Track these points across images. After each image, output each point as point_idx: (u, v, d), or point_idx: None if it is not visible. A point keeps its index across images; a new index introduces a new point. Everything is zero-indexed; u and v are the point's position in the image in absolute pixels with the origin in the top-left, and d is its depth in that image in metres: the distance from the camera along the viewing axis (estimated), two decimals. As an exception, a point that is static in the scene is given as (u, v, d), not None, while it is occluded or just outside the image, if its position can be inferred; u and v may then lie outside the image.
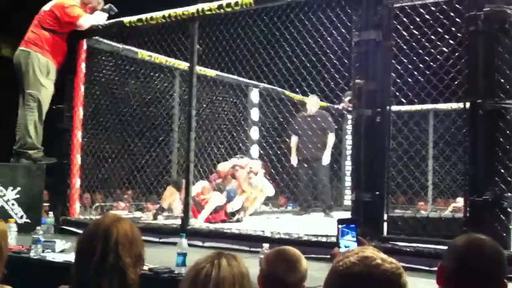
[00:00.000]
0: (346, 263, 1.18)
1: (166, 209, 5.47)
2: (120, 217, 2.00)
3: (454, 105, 4.40)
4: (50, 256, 3.51)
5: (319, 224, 4.53)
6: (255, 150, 7.11)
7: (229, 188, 5.68)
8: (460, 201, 6.66)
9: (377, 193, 3.41)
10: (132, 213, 6.12)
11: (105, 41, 5.57)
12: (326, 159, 6.59)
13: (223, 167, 5.84)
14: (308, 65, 4.65)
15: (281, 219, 6.12)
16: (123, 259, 1.83)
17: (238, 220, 5.69)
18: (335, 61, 4.50)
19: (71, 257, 3.46)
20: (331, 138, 6.62)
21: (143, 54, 5.88)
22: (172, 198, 5.47)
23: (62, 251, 3.69)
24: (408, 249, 3.23)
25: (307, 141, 6.14)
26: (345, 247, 1.86)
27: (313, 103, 6.63)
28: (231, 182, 5.77)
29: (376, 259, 1.18)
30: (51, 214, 4.69)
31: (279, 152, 6.29)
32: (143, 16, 4.95)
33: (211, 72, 6.44)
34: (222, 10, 4.49)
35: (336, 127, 6.83)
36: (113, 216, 1.98)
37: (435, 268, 2.99)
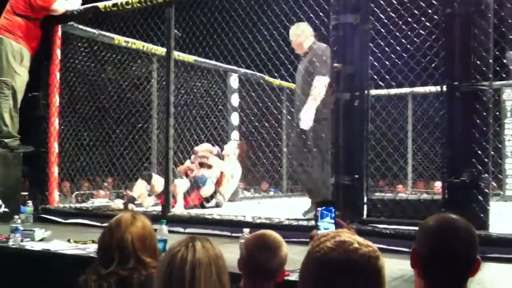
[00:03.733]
0: (323, 248, 1.17)
1: (137, 199, 5.46)
2: (134, 217, 2.09)
3: (431, 88, 4.43)
4: (29, 245, 3.48)
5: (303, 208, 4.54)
6: (235, 135, 7.10)
7: (196, 174, 5.71)
8: (439, 184, 6.76)
9: (356, 176, 3.43)
10: (113, 200, 6.08)
11: (80, 26, 5.49)
12: (304, 119, 4.39)
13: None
14: (286, 49, 4.63)
15: (264, 204, 6.15)
16: (143, 258, 1.99)
17: (217, 205, 5.71)
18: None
19: (50, 245, 3.47)
20: (315, 86, 4.39)
21: (120, 39, 5.80)
22: (141, 191, 5.48)
23: (42, 240, 3.66)
24: (388, 231, 3.26)
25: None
26: (324, 229, 1.88)
27: (294, 39, 4.70)
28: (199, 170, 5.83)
29: (353, 243, 1.17)
30: (30, 203, 4.64)
31: (258, 137, 6.29)
32: (118, 1, 4.88)
33: (189, 58, 6.39)
34: (198, -6, 4.45)
35: (328, 69, 4.23)
36: (126, 220, 2.07)
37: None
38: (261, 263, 1.99)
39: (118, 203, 5.37)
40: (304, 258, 1.21)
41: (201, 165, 5.90)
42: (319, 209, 1.92)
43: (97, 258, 2.13)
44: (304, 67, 4.60)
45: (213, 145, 6.21)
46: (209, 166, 5.90)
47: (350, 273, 1.14)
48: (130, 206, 5.23)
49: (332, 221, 1.90)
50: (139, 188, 5.46)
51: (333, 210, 1.91)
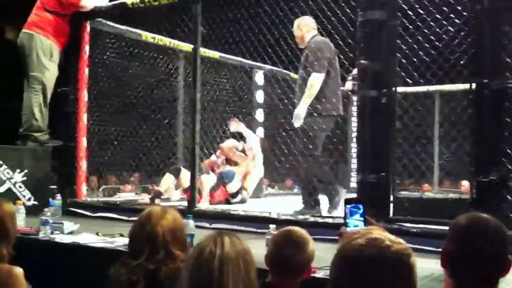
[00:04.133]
0: (355, 245, 1.17)
1: (163, 193, 5.52)
2: (164, 210, 2.14)
3: (460, 86, 4.38)
4: (58, 238, 3.55)
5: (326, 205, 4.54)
6: (260, 132, 7.12)
7: (223, 170, 5.74)
8: (466, 183, 6.65)
9: (383, 174, 3.41)
10: (139, 195, 6.16)
11: (108, 23, 5.56)
12: (296, 117, 4.40)
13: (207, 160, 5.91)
14: (313, 46, 4.62)
15: (288, 201, 6.15)
16: (172, 251, 2.03)
17: (242, 200, 5.73)
18: (339, 41, 4.49)
19: (79, 238, 3.53)
20: (309, 83, 4.35)
21: (147, 36, 5.86)
22: (168, 185, 5.53)
23: (71, 233, 3.72)
24: (414, 230, 3.23)
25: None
26: (354, 226, 1.88)
27: (296, 32, 4.68)
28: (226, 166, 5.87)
29: (385, 241, 1.17)
30: (58, 196, 4.72)
31: (284, 133, 6.28)
32: (146, -2, 4.93)
33: (215, 54, 6.41)
34: (224, -9, 4.47)
35: (325, 64, 4.40)
36: (157, 213, 2.11)
37: (442, 249, 3.00)
38: (288, 259, 2.00)
39: (145, 198, 5.44)
40: (335, 255, 1.22)
41: (228, 161, 5.94)
42: (348, 206, 1.93)
43: (128, 250, 2.16)
44: (301, 62, 4.59)
45: (238, 141, 6.24)
46: (236, 163, 5.93)
47: (383, 270, 1.14)
48: (157, 200, 5.29)
49: (361, 218, 1.90)
50: (166, 182, 5.52)
51: (362, 207, 1.91)
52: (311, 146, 4.35)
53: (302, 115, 4.37)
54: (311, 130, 4.37)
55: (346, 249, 1.19)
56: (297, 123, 4.40)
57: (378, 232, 1.22)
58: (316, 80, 4.35)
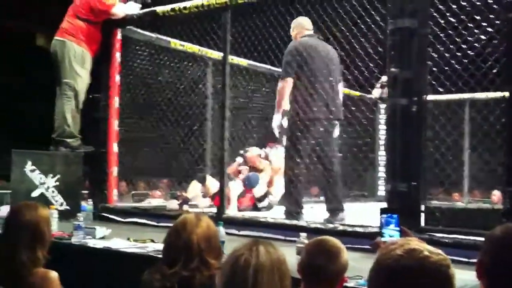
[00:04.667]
0: (393, 256, 1.18)
1: (191, 200, 5.56)
2: (198, 218, 2.17)
3: (491, 94, 4.33)
4: (91, 243, 3.61)
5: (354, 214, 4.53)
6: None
7: (247, 175, 5.77)
8: (497, 193, 6.54)
9: (414, 183, 3.38)
10: (168, 201, 6.21)
11: (139, 30, 5.65)
12: (273, 125, 4.62)
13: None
14: (342, 53, 4.62)
15: (316, 208, 6.14)
16: (207, 259, 2.04)
17: (269, 206, 5.74)
18: (369, 49, 4.48)
19: (111, 243, 3.58)
20: (278, 89, 4.51)
21: (176, 43, 5.93)
22: (196, 192, 5.57)
23: (102, 238, 3.78)
24: (446, 241, 3.19)
25: None
26: (389, 236, 1.87)
27: (290, 32, 4.81)
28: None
29: (424, 251, 1.18)
30: (90, 201, 4.80)
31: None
32: (176, 6, 4.99)
33: (243, 62, 6.45)
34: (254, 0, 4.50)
35: (289, 70, 4.47)
36: (192, 221, 2.14)
37: (474, 260, 2.97)
38: (320, 268, 2.01)
39: (173, 204, 5.49)
40: (373, 265, 1.22)
41: (252, 170, 5.98)
42: (383, 216, 1.92)
43: (162, 257, 2.20)
44: None
45: (260, 148, 6.28)
46: (260, 170, 5.96)
47: (422, 280, 1.14)
48: (185, 206, 5.34)
49: (397, 228, 1.90)
50: (194, 189, 5.57)
51: (396, 217, 1.90)
52: (294, 153, 4.38)
53: (275, 124, 4.54)
54: (292, 136, 4.44)
55: (384, 260, 1.19)
56: (275, 132, 4.60)
57: (416, 243, 1.22)
58: (279, 88, 4.49)
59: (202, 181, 5.60)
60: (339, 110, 4.61)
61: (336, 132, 4.67)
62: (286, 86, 4.45)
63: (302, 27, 4.70)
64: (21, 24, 11.65)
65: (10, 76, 11.81)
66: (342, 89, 4.75)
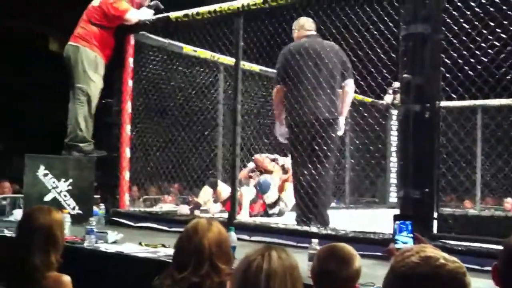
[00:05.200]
0: (408, 263, 1.17)
1: (202, 205, 5.56)
2: (209, 223, 2.16)
3: (504, 101, 4.29)
4: (103, 247, 3.62)
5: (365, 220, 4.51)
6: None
7: (259, 179, 5.77)
8: (510, 201, 6.49)
9: (427, 190, 3.36)
10: (179, 205, 6.23)
11: (152, 36, 5.68)
12: (276, 134, 4.91)
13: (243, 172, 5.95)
14: (354, 59, 4.61)
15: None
16: (218, 264, 2.03)
17: (280, 212, 5.74)
18: (381, 55, 4.46)
19: (123, 248, 3.59)
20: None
21: (188, 49, 5.95)
22: (207, 198, 5.58)
23: (114, 242, 3.79)
24: (459, 248, 3.16)
25: None
26: (403, 243, 1.86)
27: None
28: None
29: (440, 259, 1.17)
30: (102, 206, 4.82)
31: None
32: (189, 12, 5.01)
33: (255, 67, 6.46)
34: (267, 5, 4.50)
35: (277, 77, 4.72)
36: (203, 226, 2.15)
37: (487, 268, 2.95)
38: (333, 275, 2.00)
39: (184, 209, 5.50)
40: (388, 273, 1.22)
41: (262, 172, 5.99)
42: (397, 222, 1.91)
43: (172, 262, 2.20)
44: None
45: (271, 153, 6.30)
46: (270, 172, 5.97)
47: None
48: (196, 211, 5.35)
49: (410, 235, 1.89)
50: (206, 194, 5.57)
51: (410, 224, 1.89)
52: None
53: (277, 132, 4.73)
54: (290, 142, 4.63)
55: (399, 267, 1.18)
56: (281, 140, 4.77)
57: (431, 250, 1.21)
58: (274, 95, 4.72)
59: (214, 186, 5.61)
60: (334, 109, 4.50)
61: (338, 132, 4.60)
62: (274, 93, 4.69)
63: (302, 28, 4.78)
64: (21, 24, 11.72)
65: (10, 76, 11.89)
66: (350, 86, 4.66)
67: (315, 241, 2.83)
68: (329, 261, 2.02)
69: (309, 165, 4.38)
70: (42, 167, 4.98)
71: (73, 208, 4.96)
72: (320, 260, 2.05)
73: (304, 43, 4.63)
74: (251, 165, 6.09)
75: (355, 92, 4.95)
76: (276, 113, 4.74)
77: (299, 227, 4.13)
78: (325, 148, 4.39)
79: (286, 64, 4.56)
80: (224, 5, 4.72)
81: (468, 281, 1.16)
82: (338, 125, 4.58)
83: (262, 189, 5.64)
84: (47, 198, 4.93)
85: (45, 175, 4.98)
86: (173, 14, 5.18)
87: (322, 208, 4.35)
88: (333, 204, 7.70)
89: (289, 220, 4.77)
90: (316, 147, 4.40)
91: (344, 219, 4.90)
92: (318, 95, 4.46)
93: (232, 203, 4.53)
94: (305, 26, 4.75)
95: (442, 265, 1.16)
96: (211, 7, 4.85)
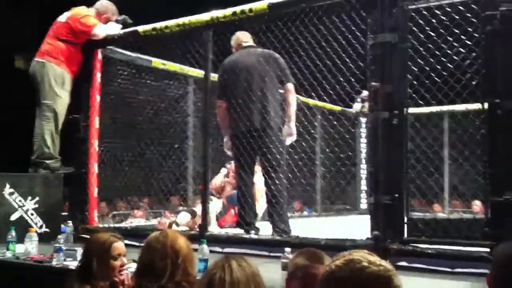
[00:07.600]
0: (331, 266, 1.19)
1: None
2: (176, 231, 2.14)
3: (470, 106, 4.38)
4: (72, 265, 3.53)
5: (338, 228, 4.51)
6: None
7: (231, 193, 5.73)
8: (478, 203, 6.59)
9: (396, 195, 3.39)
10: (150, 220, 6.14)
11: (120, 50, 5.62)
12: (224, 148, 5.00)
13: (215, 182, 5.88)
14: (324, 69, 4.63)
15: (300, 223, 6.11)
16: (190, 272, 1.97)
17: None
18: (350, 64, 4.50)
19: (92, 265, 3.49)
20: None
21: (157, 62, 5.92)
22: (185, 222, 5.49)
23: (83, 259, 3.69)
24: (429, 251, 3.20)
25: None
26: None
27: None
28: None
29: (362, 262, 1.17)
30: (70, 223, 4.71)
31: (296, 156, 6.26)
32: (157, 25, 4.98)
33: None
34: (236, 17, 4.51)
35: (217, 92, 4.86)
36: (172, 232, 2.12)
37: (458, 270, 2.98)
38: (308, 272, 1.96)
39: (186, 217, 5.40)
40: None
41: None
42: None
43: (141, 270, 2.13)
44: None
45: None
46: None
47: None
48: (174, 227, 5.27)
49: None
50: (183, 219, 5.48)
51: None
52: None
53: (225, 146, 4.83)
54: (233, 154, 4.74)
55: (325, 270, 1.20)
56: (227, 151, 4.86)
57: (360, 254, 1.21)
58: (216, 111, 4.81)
59: (193, 214, 5.49)
60: (269, 116, 4.48)
61: (286, 138, 4.59)
62: (217, 108, 4.77)
63: (238, 40, 4.84)
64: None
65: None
66: (290, 90, 4.63)
67: (287, 249, 2.81)
68: (306, 261, 1.99)
69: (250, 175, 4.52)
70: (7, 186, 4.85)
71: (40, 227, 4.85)
72: (297, 264, 2.01)
73: (236, 57, 4.71)
74: (223, 171, 6.02)
75: (324, 101, 4.98)
76: (221, 127, 4.83)
77: (271, 237, 4.11)
78: (269, 156, 4.37)
79: (221, 79, 4.70)
80: (193, 18, 4.71)
81: (395, 284, 1.16)
82: (282, 131, 4.56)
83: (233, 200, 5.59)
84: (13, 217, 4.80)
85: (11, 193, 4.85)
86: (141, 28, 5.14)
87: (277, 216, 4.33)
88: (305, 213, 7.73)
89: (262, 231, 4.75)
90: (256, 156, 4.48)
91: (316, 226, 4.89)
92: (252, 103, 4.48)
93: (203, 215, 4.48)
94: (242, 39, 4.83)
95: (362, 268, 1.16)
96: (179, 20, 4.82)
